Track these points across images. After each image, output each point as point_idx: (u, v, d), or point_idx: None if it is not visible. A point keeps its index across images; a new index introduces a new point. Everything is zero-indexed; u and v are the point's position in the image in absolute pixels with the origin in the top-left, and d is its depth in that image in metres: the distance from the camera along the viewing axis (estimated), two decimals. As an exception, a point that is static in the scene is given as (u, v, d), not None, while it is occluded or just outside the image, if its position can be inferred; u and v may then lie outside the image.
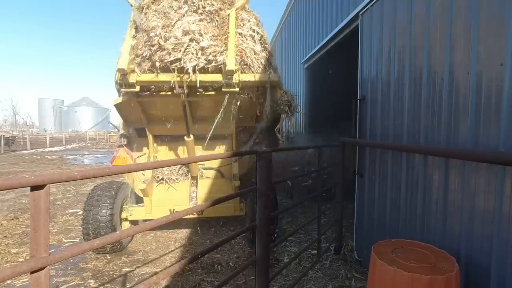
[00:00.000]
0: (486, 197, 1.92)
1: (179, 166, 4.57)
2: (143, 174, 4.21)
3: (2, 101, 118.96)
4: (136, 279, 3.36)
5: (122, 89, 3.44)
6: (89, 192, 4.02)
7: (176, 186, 4.45)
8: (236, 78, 3.33)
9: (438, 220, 2.33)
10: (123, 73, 3.20)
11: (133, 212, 4.19)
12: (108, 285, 3.24)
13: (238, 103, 3.61)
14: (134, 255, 3.95)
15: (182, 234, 4.65)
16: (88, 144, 30.20)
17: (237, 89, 3.44)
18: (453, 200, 2.20)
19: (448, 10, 2.26)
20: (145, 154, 4.43)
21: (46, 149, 23.16)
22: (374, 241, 2.28)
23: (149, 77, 3.40)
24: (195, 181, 4.55)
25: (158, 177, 4.43)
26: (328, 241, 4.11)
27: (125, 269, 3.58)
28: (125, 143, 4.49)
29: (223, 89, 3.46)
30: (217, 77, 3.42)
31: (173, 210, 4.19)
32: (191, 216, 4.22)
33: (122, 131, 4.55)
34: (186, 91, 3.40)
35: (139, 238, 4.48)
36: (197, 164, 4.39)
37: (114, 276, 3.43)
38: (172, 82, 3.35)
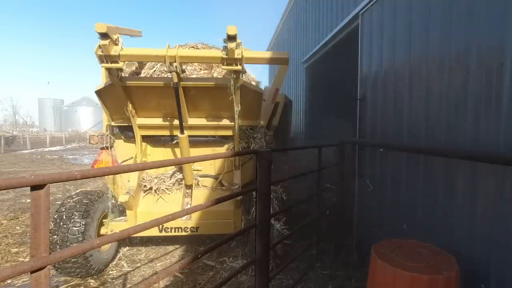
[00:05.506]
0: (486, 197, 1.92)
1: (170, 173, 4.00)
2: (128, 181, 3.69)
3: (2, 101, 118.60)
4: (136, 279, 3.36)
5: (103, 65, 2.88)
6: (59, 206, 3.41)
7: (167, 198, 3.85)
8: (238, 52, 2.78)
9: (438, 220, 2.33)
10: (104, 38, 2.64)
11: (114, 227, 3.58)
12: (108, 285, 3.24)
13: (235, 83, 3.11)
14: (134, 255, 3.95)
15: (182, 234, 4.64)
16: (88, 144, 30.19)
17: (239, 67, 2.90)
18: (453, 199, 2.20)
19: (448, 9, 2.26)
20: (132, 158, 3.79)
21: (46, 149, 23.16)
22: (374, 241, 2.28)
23: (134, 50, 2.92)
24: (190, 190, 3.96)
25: (145, 186, 3.82)
26: (328, 241, 4.11)
27: (125, 269, 3.58)
28: (107, 144, 3.83)
29: (222, 67, 2.96)
30: (216, 53, 2.95)
31: (162, 226, 3.56)
32: (183, 233, 3.64)
33: (104, 130, 3.94)
34: (179, 69, 2.95)
35: (139, 238, 4.48)
36: (192, 170, 3.85)
37: (114, 276, 3.43)
38: (163, 58, 2.86)
